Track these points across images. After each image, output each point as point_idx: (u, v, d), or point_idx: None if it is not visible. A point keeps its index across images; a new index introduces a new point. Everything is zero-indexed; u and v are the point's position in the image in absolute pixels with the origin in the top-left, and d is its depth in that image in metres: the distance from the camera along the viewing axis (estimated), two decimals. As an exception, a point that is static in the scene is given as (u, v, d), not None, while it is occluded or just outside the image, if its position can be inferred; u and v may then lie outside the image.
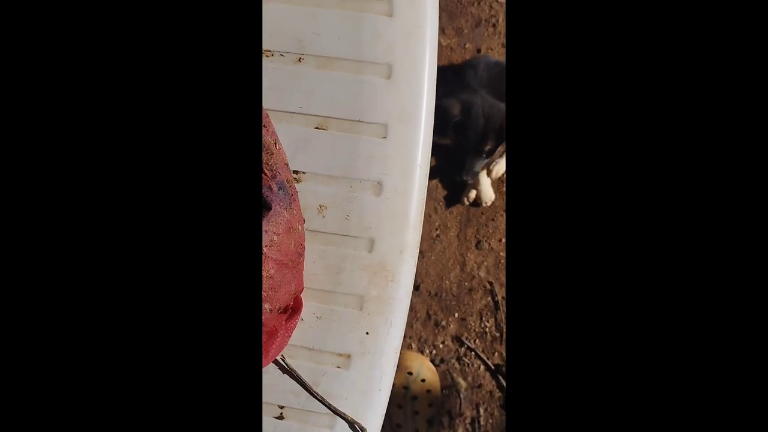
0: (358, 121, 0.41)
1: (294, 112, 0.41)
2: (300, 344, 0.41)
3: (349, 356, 0.41)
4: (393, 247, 0.41)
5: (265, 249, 0.35)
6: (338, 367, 0.41)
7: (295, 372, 0.40)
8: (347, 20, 0.41)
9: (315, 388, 0.41)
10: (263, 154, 0.37)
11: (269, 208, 0.36)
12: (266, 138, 0.37)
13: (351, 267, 0.41)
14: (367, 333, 0.41)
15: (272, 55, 0.42)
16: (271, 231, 0.35)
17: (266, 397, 0.41)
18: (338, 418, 0.40)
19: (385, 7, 0.41)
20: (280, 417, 0.41)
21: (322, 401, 0.40)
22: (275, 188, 0.37)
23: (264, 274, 0.35)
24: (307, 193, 0.41)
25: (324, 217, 0.41)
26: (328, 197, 0.41)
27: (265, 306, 0.35)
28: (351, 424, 0.40)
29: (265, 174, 0.36)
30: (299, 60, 0.41)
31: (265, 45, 0.42)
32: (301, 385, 0.40)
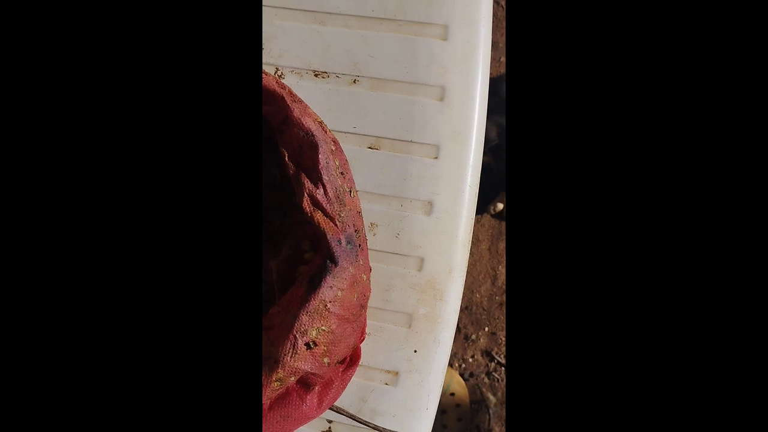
0: (411, 141, 0.42)
1: (348, 132, 0.42)
2: (349, 360, 0.41)
3: (397, 373, 0.41)
4: (442, 266, 0.42)
5: (328, 304, 0.34)
6: (386, 384, 0.41)
7: (333, 405, 0.40)
8: (403, 44, 0.42)
9: (363, 404, 0.41)
10: (336, 204, 0.36)
11: (336, 264, 0.35)
12: (342, 185, 0.37)
13: (400, 285, 0.42)
14: (415, 351, 0.41)
15: (328, 76, 0.43)
16: (336, 287, 0.35)
17: (315, 410, 0.41)
18: (385, 434, 0.41)
19: (441, 31, 0.42)
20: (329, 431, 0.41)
21: (375, 427, 0.41)
22: (344, 242, 0.36)
23: (326, 329, 0.35)
24: (359, 211, 0.42)
25: (375, 234, 0.42)
26: (379, 215, 0.42)
27: (324, 360, 0.35)
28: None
29: (336, 226, 0.36)
30: (354, 81, 0.42)
31: (322, 66, 0.43)
32: (348, 416, 0.41)
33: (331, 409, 0.41)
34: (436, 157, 0.42)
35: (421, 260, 0.42)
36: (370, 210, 0.42)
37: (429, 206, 0.42)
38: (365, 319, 0.40)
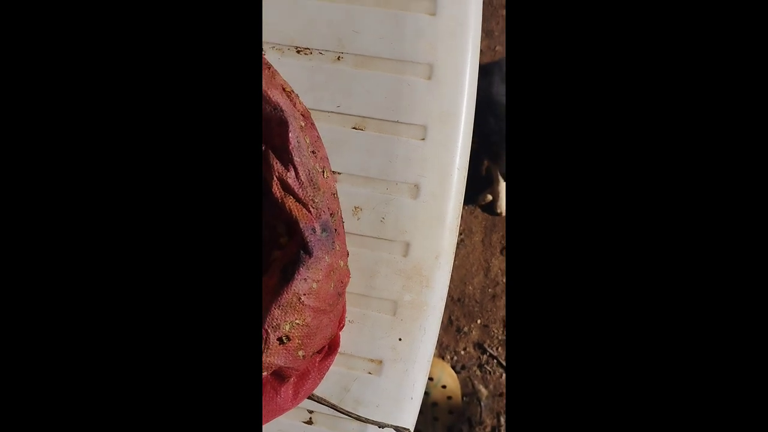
0: (397, 122, 0.40)
1: (331, 112, 0.41)
2: (331, 348, 0.40)
3: (381, 362, 0.40)
4: (428, 252, 0.40)
5: (303, 297, 0.32)
6: (370, 373, 0.40)
7: (314, 395, 0.39)
8: (389, 18, 0.40)
9: (345, 394, 0.40)
10: (309, 189, 0.33)
11: (311, 255, 0.33)
12: (315, 165, 0.34)
13: (385, 271, 0.40)
14: (400, 339, 0.40)
15: (311, 52, 0.41)
16: (311, 278, 0.33)
17: (296, 400, 0.40)
18: (369, 425, 0.39)
19: (428, 5, 0.40)
20: (309, 422, 0.40)
21: (358, 418, 0.39)
22: (318, 231, 0.33)
23: (300, 322, 0.33)
24: (343, 194, 0.40)
25: (359, 219, 0.40)
26: (364, 199, 0.40)
27: (299, 353, 0.34)
28: (385, 426, 0.39)
29: (310, 213, 0.33)
30: (338, 58, 0.41)
31: (304, 42, 0.41)
32: (330, 407, 0.39)
33: (312, 399, 0.39)
34: (424, 139, 0.40)
35: (407, 245, 0.40)
36: (354, 193, 0.40)
37: (416, 189, 0.40)
38: (344, 306, 0.39)
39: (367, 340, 0.40)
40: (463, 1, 0.40)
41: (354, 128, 0.41)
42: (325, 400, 0.39)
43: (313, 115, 0.41)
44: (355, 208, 0.40)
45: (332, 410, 0.39)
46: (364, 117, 0.40)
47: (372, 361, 0.40)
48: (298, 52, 0.41)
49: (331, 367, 0.40)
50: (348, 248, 0.40)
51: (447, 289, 0.41)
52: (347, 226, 0.40)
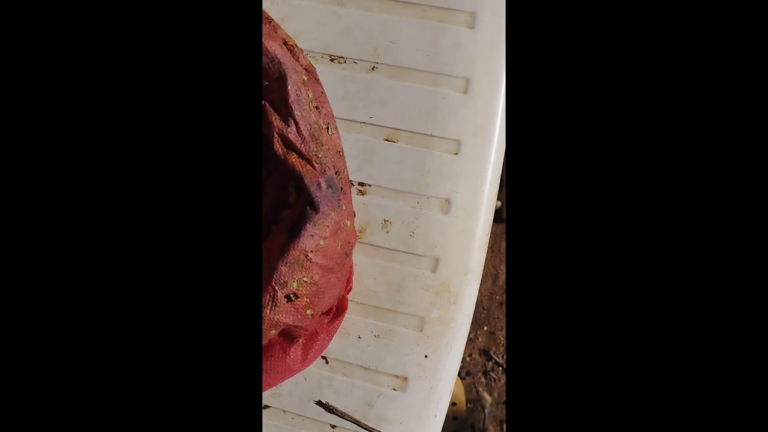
0: (430, 135, 0.40)
1: (363, 122, 0.40)
2: (357, 363, 0.39)
3: (406, 379, 0.39)
4: (457, 268, 0.39)
5: (310, 254, 0.32)
6: (394, 389, 0.39)
7: (338, 410, 0.39)
8: (427, 30, 0.39)
9: (369, 409, 0.39)
10: (312, 144, 0.32)
11: (317, 210, 0.32)
12: (318, 120, 0.33)
13: (413, 286, 0.39)
14: (426, 356, 0.39)
15: (345, 61, 0.40)
16: (318, 235, 0.32)
17: (318, 415, 0.39)
18: (391, 442, 0.39)
19: (468, 19, 0.39)
20: (332, 437, 0.39)
21: None
22: (324, 186, 0.33)
23: (308, 280, 0.33)
24: (372, 206, 0.40)
25: (388, 232, 0.40)
26: (394, 212, 0.40)
27: (307, 312, 0.34)
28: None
29: (314, 168, 0.33)
30: (373, 68, 0.40)
31: (338, 51, 0.40)
32: (353, 422, 0.39)
33: (335, 414, 0.39)
34: (457, 153, 0.40)
35: (436, 261, 0.39)
36: (384, 206, 0.40)
37: (447, 204, 0.40)
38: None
39: (393, 355, 0.39)
40: (502, 15, 0.39)
41: (386, 140, 0.40)
42: (348, 416, 0.39)
43: (345, 125, 0.40)
44: (385, 221, 0.40)
45: (355, 425, 0.39)
46: (397, 129, 0.40)
47: (397, 377, 0.39)
48: (332, 60, 0.40)
49: (355, 382, 0.39)
50: (376, 261, 0.40)
51: (474, 306, 0.40)
52: (376, 240, 0.40)
